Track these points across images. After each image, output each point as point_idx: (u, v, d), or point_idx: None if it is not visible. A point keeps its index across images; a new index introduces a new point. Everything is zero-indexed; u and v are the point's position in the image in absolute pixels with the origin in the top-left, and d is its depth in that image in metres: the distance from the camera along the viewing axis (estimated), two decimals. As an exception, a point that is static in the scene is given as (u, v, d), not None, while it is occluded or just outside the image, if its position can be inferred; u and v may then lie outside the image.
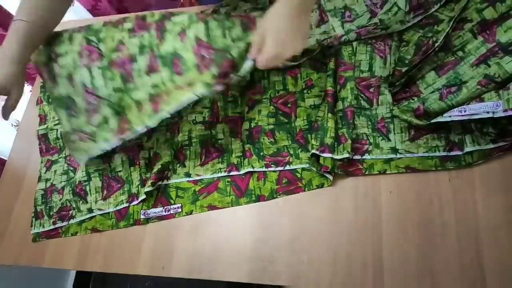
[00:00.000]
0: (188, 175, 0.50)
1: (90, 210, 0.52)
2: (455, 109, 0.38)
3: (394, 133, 0.44)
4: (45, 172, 0.58)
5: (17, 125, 0.72)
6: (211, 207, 0.48)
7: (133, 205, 0.51)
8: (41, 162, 0.59)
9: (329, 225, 0.43)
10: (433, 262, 0.39)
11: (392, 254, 0.40)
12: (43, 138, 0.61)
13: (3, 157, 0.64)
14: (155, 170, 0.49)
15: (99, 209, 0.52)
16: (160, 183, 0.51)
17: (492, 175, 0.40)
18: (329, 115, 0.44)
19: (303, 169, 0.46)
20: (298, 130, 0.48)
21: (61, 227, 0.53)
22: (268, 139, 0.49)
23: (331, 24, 0.50)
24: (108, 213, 0.52)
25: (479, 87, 0.39)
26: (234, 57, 0.40)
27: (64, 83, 0.47)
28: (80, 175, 0.55)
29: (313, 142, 0.45)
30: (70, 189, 0.55)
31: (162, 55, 0.42)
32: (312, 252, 0.42)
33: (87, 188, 0.54)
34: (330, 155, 0.42)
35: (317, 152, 0.43)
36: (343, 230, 0.42)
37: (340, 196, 0.44)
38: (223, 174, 0.49)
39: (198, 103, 0.53)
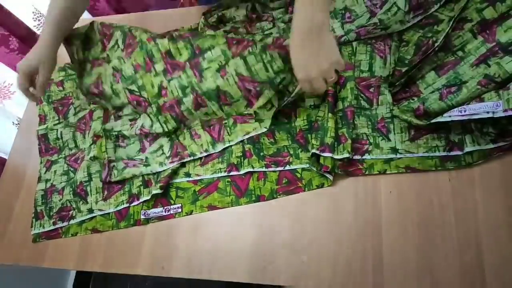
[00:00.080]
0: (188, 175, 0.50)
1: (90, 211, 0.52)
2: (455, 109, 0.38)
3: (394, 133, 0.44)
4: (45, 173, 0.58)
5: (18, 123, 0.72)
6: (211, 207, 0.48)
7: (134, 205, 0.51)
8: (41, 162, 0.59)
9: (329, 225, 0.43)
10: (433, 262, 0.39)
11: (392, 254, 0.40)
12: (42, 138, 0.61)
13: (3, 156, 0.64)
14: (165, 174, 0.49)
15: (100, 210, 0.52)
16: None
17: (492, 175, 0.40)
18: (329, 115, 0.44)
19: (303, 169, 0.46)
20: (298, 130, 0.48)
21: (61, 227, 0.53)
22: (268, 139, 0.49)
23: (331, 26, 0.50)
24: (109, 213, 0.52)
25: (479, 87, 0.39)
26: (290, 91, 0.46)
27: (123, 122, 0.55)
28: (81, 175, 0.55)
29: (314, 141, 0.45)
30: (71, 189, 0.55)
31: (206, 92, 0.47)
32: (312, 252, 0.42)
33: (88, 188, 0.54)
34: (330, 155, 0.42)
35: (317, 152, 0.43)
36: (343, 230, 0.42)
37: (340, 196, 0.44)
38: (223, 174, 0.49)
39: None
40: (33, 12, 0.76)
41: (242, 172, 0.48)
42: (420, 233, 0.40)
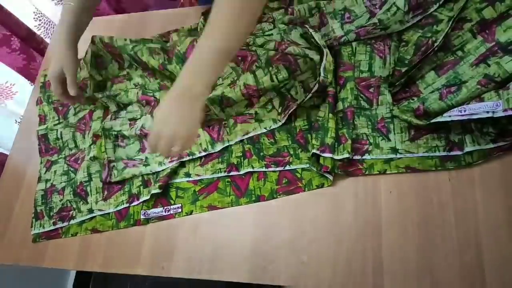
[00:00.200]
0: (188, 175, 0.50)
1: (90, 211, 0.52)
2: (455, 109, 0.38)
3: (394, 133, 0.44)
4: (45, 173, 0.58)
5: (20, 122, 0.72)
6: (211, 207, 0.48)
7: (133, 205, 0.51)
8: (41, 162, 0.59)
9: (329, 225, 0.43)
10: (433, 262, 0.39)
11: (392, 254, 0.40)
12: (42, 138, 0.61)
13: (6, 153, 0.64)
14: (164, 173, 0.50)
15: (100, 210, 0.52)
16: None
17: (492, 175, 0.40)
18: (330, 115, 0.44)
19: (303, 169, 0.46)
20: (298, 130, 0.48)
21: (61, 227, 0.53)
22: (268, 139, 0.49)
23: (330, 26, 0.50)
24: (109, 213, 0.52)
25: (478, 86, 0.39)
26: (292, 94, 0.48)
27: (122, 122, 0.55)
28: (81, 175, 0.55)
29: (314, 142, 0.45)
30: (71, 189, 0.55)
31: (211, 98, 0.48)
32: (312, 252, 0.42)
33: (88, 188, 0.54)
34: (330, 155, 0.42)
35: (318, 152, 0.43)
36: (343, 230, 0.42)
37: (340, 196, 0.44)
38: (223, 174, 0.49)
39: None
40: (33, 12, 0.76)
41: (242, 172, 0.48)
42: (420, 233, 0.40)
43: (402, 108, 0.45)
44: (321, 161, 0.43)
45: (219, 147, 0.50)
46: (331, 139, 0.43)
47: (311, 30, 0.47)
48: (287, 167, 0.47)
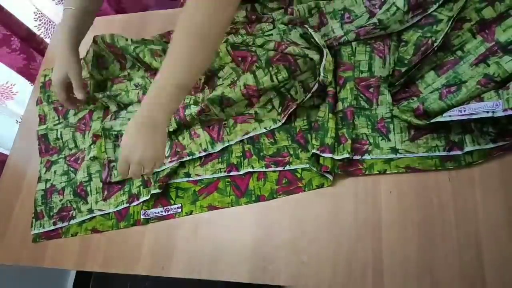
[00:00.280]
0: (188, 175, 0.50)
1: (90, 211, 0.52)
2: (455, 108, 0.38)
3: (394, 133, 0.44)
4: (45, 173, 0.58)
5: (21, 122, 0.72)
6: (211, 207, 0.48)
7: (133, 205, 0.51)
8: (41, 162, 0.59)
9: (329, 225, 0.43)
10: (433, 262, 0.39)
11: (392, 254, 0.40)
12: (42, 138, 0.61)
13: (7, 153, 0.64)
14: (164, 173, 0.50)
15: (100, 210, 0.52)
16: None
17: (492, 175, 0.40)
18: (330, 115, 0.44)
19: (303, 169, 0.46)
20: (298, 130, 0.48)
21: (61, 227, 0.53)
22: (268, 139, 0.49)
23: (330, 26, 0.50)
24: (108, 213, 0.52)
25: (478, 86, 0.39)
26: (292, 94, 0.48)
27: (122, 121, 0.54)
28: (81, 175, 0.55)
29: (314, 142, 0.45)
30: (71, 189, 0.55)
31: (209, 98, 0.48)
32: (312, 252, 0.42)
33: (88, 188, 0.54)
34: (330, 155, 0.42)
35: (318, 152, 0.43)
36: (343, 230, 0.42)
37: (340, 196, 0.44)
38: (223, 174, 0.49)
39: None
40: (34, 12, 0.76)
41: (242, 172, 0.48)
42: (420, 233, 0.40)
43: (402, 108, 0.45)
44: (321, 161, 0.43)
45: (219, 147, 0.50)
46: (331, 139, 0.43)
47: (310, 30, 0.47)
48: (287, 167, 0.47)
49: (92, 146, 0.55)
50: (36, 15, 0.76)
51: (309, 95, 0.45)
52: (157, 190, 0.48)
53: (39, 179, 0.58)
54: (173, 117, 0.51)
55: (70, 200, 0.54)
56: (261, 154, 0.48)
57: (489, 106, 0.36)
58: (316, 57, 0.45)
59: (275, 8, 0.54)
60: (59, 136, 0.60)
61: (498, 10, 0.41)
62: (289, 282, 0.42)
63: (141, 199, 0.50)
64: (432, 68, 0.44)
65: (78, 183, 0.55)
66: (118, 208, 0.51)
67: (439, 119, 0.39)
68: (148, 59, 0.54)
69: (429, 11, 0.45)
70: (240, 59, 0.50)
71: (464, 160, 0.41)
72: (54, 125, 0.61)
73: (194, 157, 0.50)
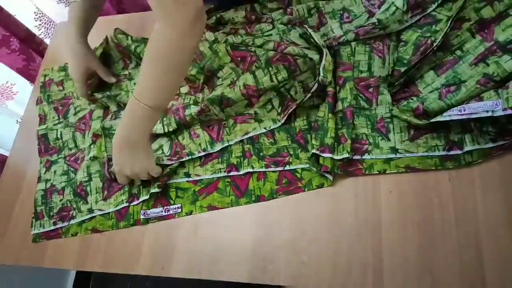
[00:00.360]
0: (187, 175, 0.50)
1: (90, 211, 0.52)
2: (455, 108, 0.38)
3: (394, 133, 0.44)
4: (44, 173, 0.58)
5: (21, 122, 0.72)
6: (211, 207, 0.48)
7: (133, 205, 0.51)
8: (40, 162, 0.59)
9: (329, 225, 0.43)
10: (433, 262, 0.39)
11: (392, 254, 0.40)
12: (42, 138, 0.61)
13: (7, 154, 0.64)
14: (163, 173, 0.50)
15: (99, 210, 0.52)
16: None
17: (492, 174, 0.40)
18: (330, 115, 0.44)
19: (302, 169, 0.46)
20: (297, 130, 0.48)
21: (61, 227, 0.53)
22: (268, 139, 0.49)
23: (329, 26, 0.50)
24: (108, 213, 0.52)
25: (478, 86, 0.39)
26: (292, 94, 0.48)
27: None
28: (81, 175, 0.55)
29: (314, 142, 0.45)
30: (71, 189, 0.55)
31: (211, 98, 0.48)
32: (312, 252, 0.42)
33: (88, 188, 0.54)
34: (330, 155, 0.42)
35: (317, 152, 0.43)
36: (343, 230, 0.42)
37: (340, 196, 0.44)
38: (222, 174, 0.49)
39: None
40: (34, 12, 0.76)
41: (241, 172, 0.48)
42: (420, 233, 0.40)
43: (401, 108, 0.45)
44: (321, 161, 0.43)
45: (218, 147, 0.50)
46: (330, 139, 0.43)
47: (310, 30, 0.48)
48: (287, 167, 0.47)
49: (92, 146, 0.55)
50: (36, 15, 0.76)
51: (309, 95, 0.45)
52: (156, 190, 0.48)
53: (39, 179, 0.58)
54: (173, 117, 0.51)
55: (70, 200, 0.54)
56: (261, 154, 0.48)
57: (489, 106, 0.36)
58: (315, 57, 0.45)
59: (274, 8, 0.54)
60: (59, 136, 0.60)
61: (497, 10, 0.41)
62: (289, 282, 0.42)
63: (141, 199, 0.50)
64: (432, 68, 0.44)
65: (78, 183, 0.55)
66: (118, 207, 0.51)
67: (438, 118, 0.39)
68: None
69: (428, 11, 0.45)
70: (239, 59, 0.50)
71: (464, 160, 0.41)
72: (54, 124, 0.61)
73: (193, 157, 0.50)
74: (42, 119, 0.63)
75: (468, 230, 0.39)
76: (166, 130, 0.52)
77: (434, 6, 0.44)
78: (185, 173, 0.51)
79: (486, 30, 0.41)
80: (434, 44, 0.42)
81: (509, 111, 0.34)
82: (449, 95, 0.41)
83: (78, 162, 0.57)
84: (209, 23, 0.57)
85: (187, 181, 0.50)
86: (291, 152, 0.47)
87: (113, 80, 0.53)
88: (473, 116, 0.36)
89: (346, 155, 0.42)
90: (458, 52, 0.43)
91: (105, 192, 0.53)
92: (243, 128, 0.50)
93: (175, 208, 0.49)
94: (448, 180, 0.41)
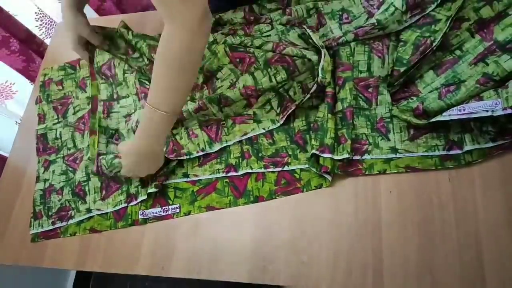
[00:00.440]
0: (186, 175, 0.50)
1: (88, 210, 0.52)
2: (454, 108, 0.38)
3: (394, 133, 0.44)
4: (43, 172, 0.58)
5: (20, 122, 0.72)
6: (209, 208, 0.48)
7: (131, 205, 0.51)
8: (38, 162, 0.59)
9: (329, 225, 0.43)
10: (433, 262, 0.39)
11: (392, 254, 0.40)
12: (41, 137, 0.61)
13: (6, 155, 0.64)
14: (161, 173, 0.50)
15: (98, 210, 0.52)
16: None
17: (492, 174, 0.40)
18: (329, 115, 0.44)
19: (301, 169, 0.46)
20: (296, 131, 0.48)
21: (60, 227, 0.53)
22: (267, 140, 0.49)
23: (329, 27, 0.50)
24: (107, 213, 0.52)
25: (477, 85, 0.39)
26: (291, 95, 0.48)
27: (118, 119, 0.55)
28: (79, 175, 0.55)
29: (313, 142, 0.45)
30: (70, 189, 0.55)
31: (209, 97, 0.49)
32: (312, 252, 0.42)
33: (86, 188, 0.54)
34: (330, 155, 0.42)
35: (317, 153, 0.43)
36: (343, 230, 0.42)
37: (340, 196, 0.44)
38: (221, 174, 0.49)
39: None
40: (35, 13, 0.76)
41: (240, 173, 0.48)
42: (420, 233, 0.40)
43: (401, 107, 0.45)
44: (320, 161, 0.43)
45: (217, 147, 0.50)
46: (330, 139, 0.43)
47: (309, 31, 0.48)
48: (286, 168, 0.47)
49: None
50: (37, 15, 0.76)
51: (308, 95, 0.45)
52: (154, 189, 0.48)
53: (38, 179, 0.58)
54: None
55: (68, 200, 0.54)
56: (260, 154, 0.48)
57: (489, 105, 0.36)
58: (314, 57, 0.45)
59: (273, 9, 0.54)
60: (58, 135, 0.60)
61: (496, 9, 0.41)
62: (289, 282, 0.41)
63: (139, 199, 0.50)
64: (431, 68, 0.44)
65: (76, 183, 0.55)
66: (116, 208, 0.51)
67: (438, 118, 0.39)
68: (148, 55, 0.53)
69: (428, 11, 0.45)
70: (238, 60, 0.50)
71: (464, 159, 0.41)
72: (54, 124, 0.61)
73: (191, 156, 0.50)
74: (41, 118, 0.63)
75: (468, 230, 0.39)
76: None
77: (433, 6, 0.44)
78: (183, 173, 0.51)
79: (486, 29, 0.41)
80: (434, 44, 0.42)
81: (508, 111, 0.34)
82: (449, 94, 0.41)
83: (77, 162, 0.57)
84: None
85: (185, 181, 0.50)
86: (290, 153, 0.47)
87: (96, 41, 0.53)
88: (473, 115, 0.36)
89: (346, 156, 0.42)
90: (458, 52, 0.43)
91: (103, 192, 0.53)
92: (242, 128, 0.50)
93: (174, 208, 0.49)
94: (448, 180, 0.41)
